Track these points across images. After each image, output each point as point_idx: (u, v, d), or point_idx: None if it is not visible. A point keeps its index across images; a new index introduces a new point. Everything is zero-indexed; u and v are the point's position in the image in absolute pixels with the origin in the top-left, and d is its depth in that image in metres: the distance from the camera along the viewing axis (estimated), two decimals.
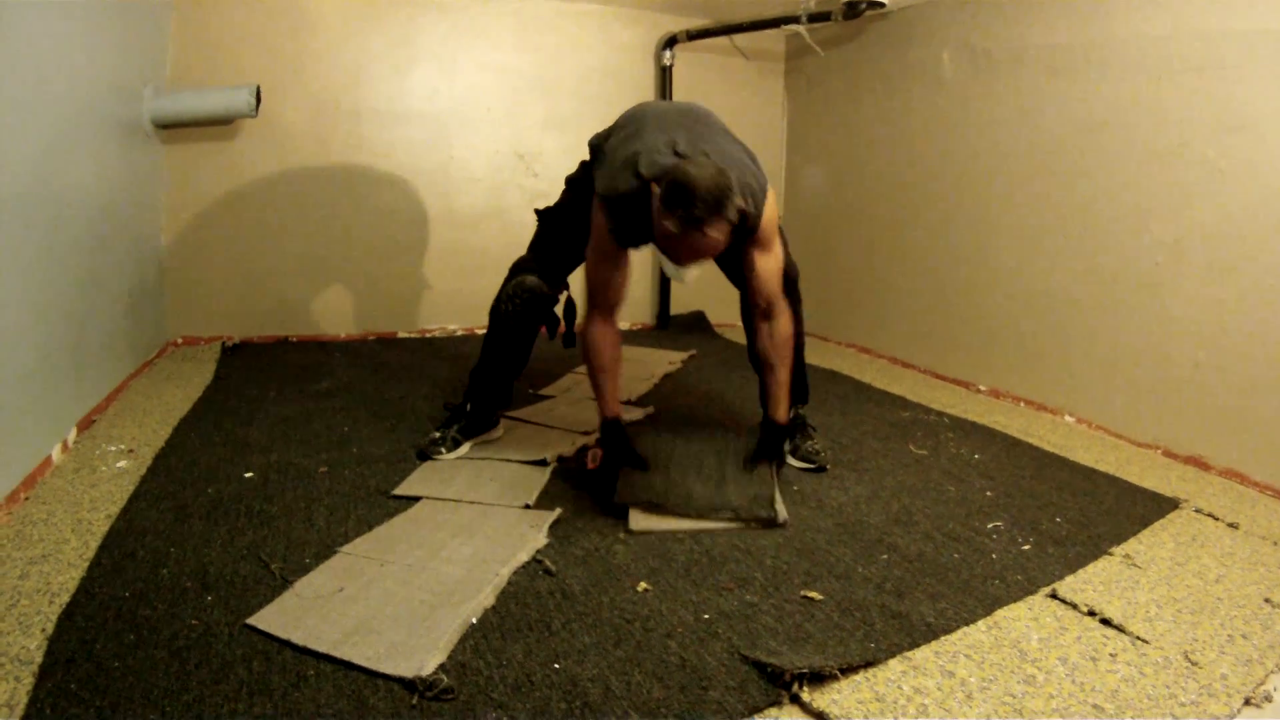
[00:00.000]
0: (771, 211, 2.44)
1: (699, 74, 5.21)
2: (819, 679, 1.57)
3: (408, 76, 4.78)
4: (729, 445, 2.59)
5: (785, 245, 2.63)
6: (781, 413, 2.55)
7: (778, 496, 2.36)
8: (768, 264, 2.47)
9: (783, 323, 2.53)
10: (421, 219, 4.89)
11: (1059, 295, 3.40)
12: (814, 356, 4.34)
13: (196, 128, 4.38)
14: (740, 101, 5.34)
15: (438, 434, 2.81)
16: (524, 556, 2.07)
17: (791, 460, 2.77)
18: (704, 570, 2.03)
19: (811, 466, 2.72)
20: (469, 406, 2.89)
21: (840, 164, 4.91)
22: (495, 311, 2.77)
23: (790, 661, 1.60)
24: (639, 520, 2.28)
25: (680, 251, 2.18)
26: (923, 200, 4.18)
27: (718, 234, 2.11)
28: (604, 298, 2.50)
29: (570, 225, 2.71)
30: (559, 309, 2.88)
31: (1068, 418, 3.31)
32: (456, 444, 2.80)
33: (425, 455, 2.77)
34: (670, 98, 5.02)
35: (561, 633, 1.76)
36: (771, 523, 2.27)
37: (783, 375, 2.53)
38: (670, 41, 5.02)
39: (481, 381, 2.88)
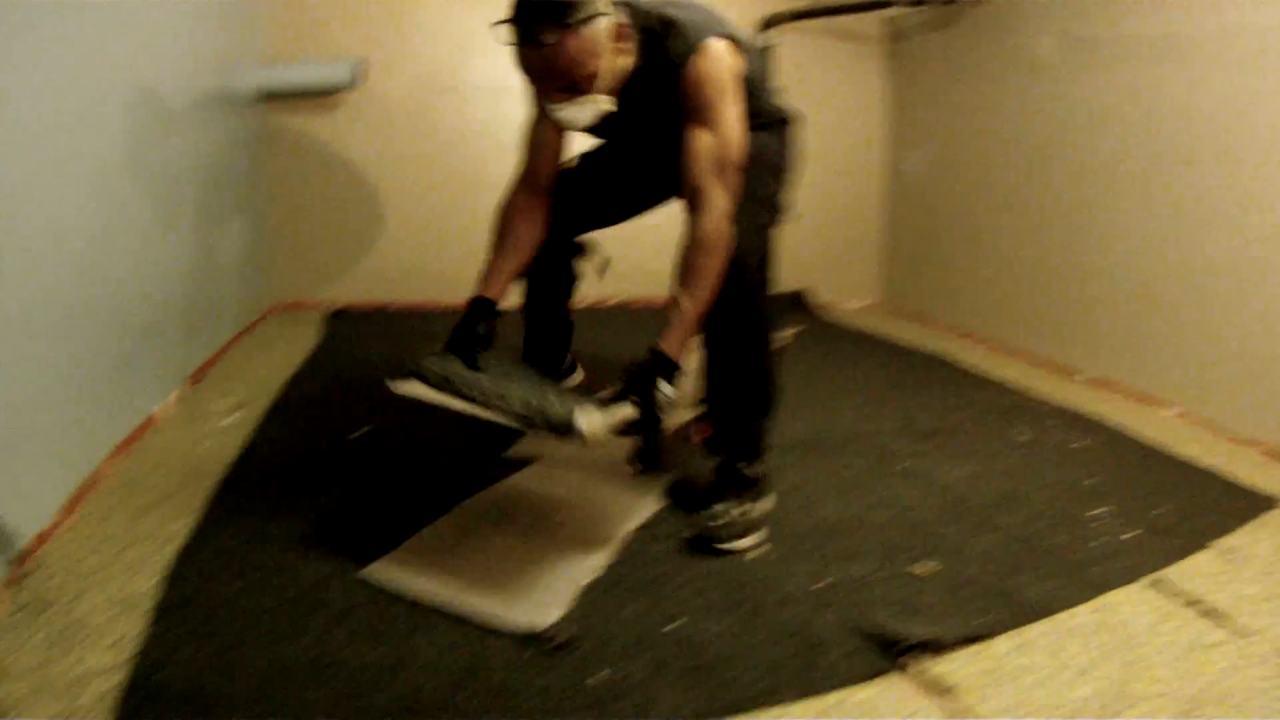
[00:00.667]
0: (715, 56, 1.93)
1: (799, 56, 5.17)
2: (931, 651, 1.61)
3: (510, 52, 4.82)
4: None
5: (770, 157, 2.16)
6: (667, 342, 1.91)
7: (587, 414, 1.75)
8: (700, 141, 1.93)
9: (705, 226, 1.91)
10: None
11: (1162, 286, 3.36)
12: (916, 339, 4.41)
13: (300, 100, 4.52)
14: (840, 84, 5.32)
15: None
16: (639, 519, 2.14)
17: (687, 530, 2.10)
18: (818, 540, 2.08)
19: (691, 539, 2.05)
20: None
21: (941, 149, 4.88)
22: None
23: (903, 632, 1.64)
24: (407, 386, 1.89)
25: (525, 77, 1.91)
26: (1025, 186, 4.14)
27: (557, 53, 1.78)
28: (529, 163, 2.26)
29: (592, 170, 2.43)
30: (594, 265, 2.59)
31: (1169, 410, 3.27)
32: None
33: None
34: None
35: (676, 595, 1.80)
36: (566, 430, 1.73)
37: (686, 302, 1.91)
38: (770, 22, 5.03)
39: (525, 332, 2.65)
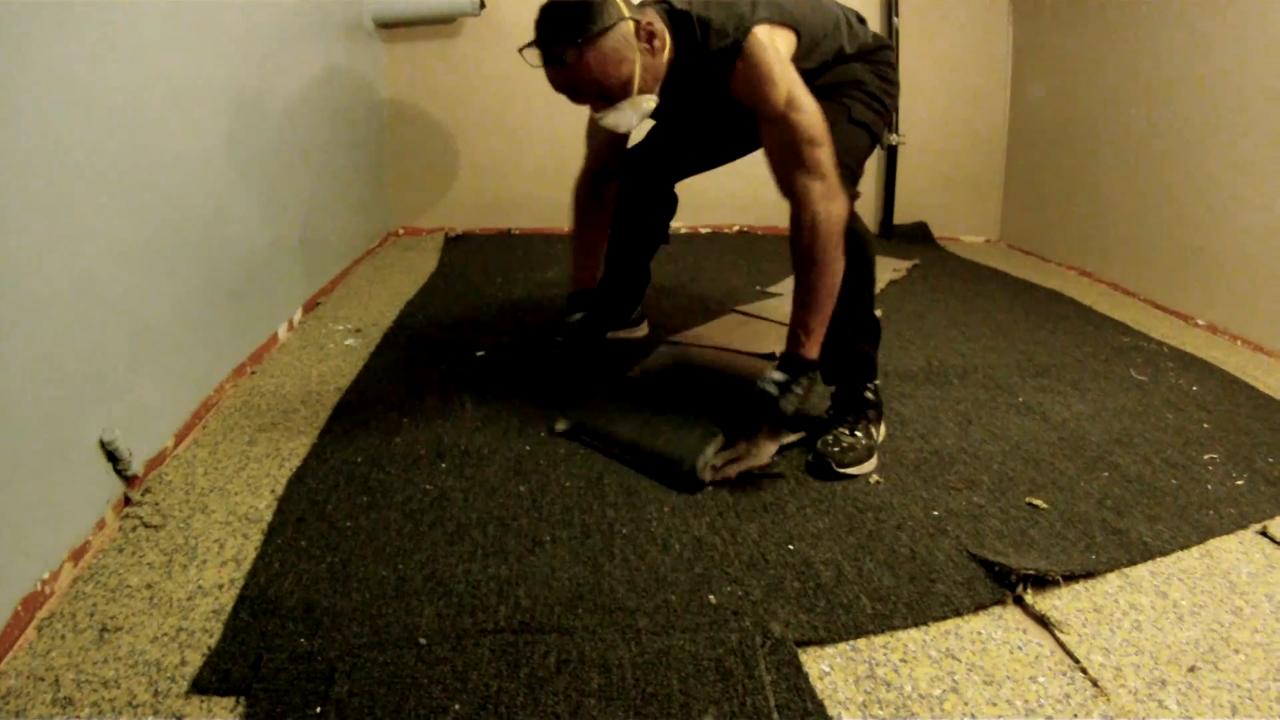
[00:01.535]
0: (759, 47, 1.93)
1: None
2: (1042, 583, 1.65)
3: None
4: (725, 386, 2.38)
5: (846, 140, 2.10)
6: (808, 346, 2.02)
7: (708, 453, 2.00)
8: (771, 133, 1.97)
9: (807, 213, 1.94)
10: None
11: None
12: (1035, 275, 4.35)
13: (418, 26, 4.54)
14: (966, 10, 5.18)
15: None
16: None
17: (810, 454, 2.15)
18: (933, 469, 2.14)
19: (813, 462, 2.11)
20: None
21: (1066, 82, 4.72)
22: None
23: (1017, 562, 1.69)
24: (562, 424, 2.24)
25: (561, 93, 1.97)
26: (1149, 125, 4.01)
27: (579, 69, 1.86)
28: (591, 156, 2.43)
29: (669, 120, 2.47)
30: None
31: None
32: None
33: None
34: (896, 4, 4.92)
35: (796, 516, 1.87)
36: (681, 474, 1.98)
37: (820, 293, 1.98)
38: None
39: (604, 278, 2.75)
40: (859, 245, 2.07)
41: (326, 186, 3.51)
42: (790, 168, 1.95)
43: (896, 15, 4.93)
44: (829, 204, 1.93)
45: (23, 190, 1.48)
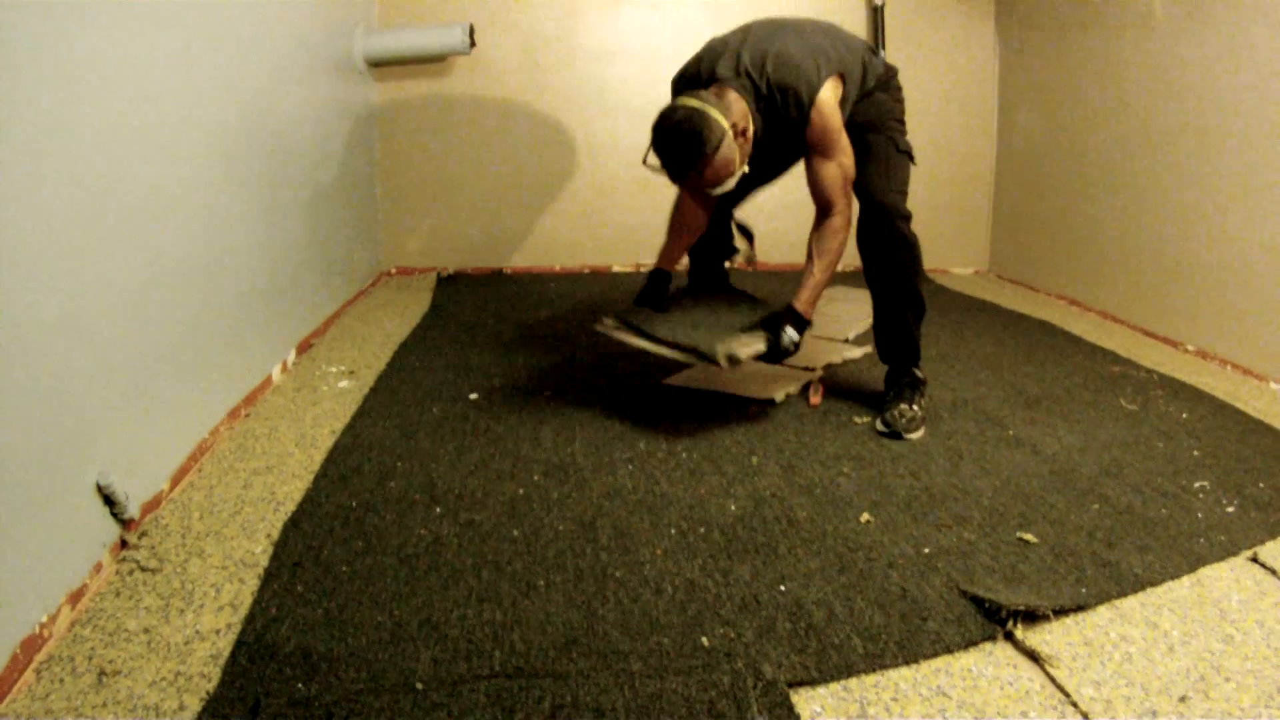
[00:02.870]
0: (828, 108, 2.43)
1: (910, 14, 5.14)
2: (1032, 619, 1.66)
3: (620, 14, 4.86)
4: (743, 311, 2.73)
5: (889, 168, 2.66)
6: (800, 301, 2.52)
7: (728, 347, 2.43)
8: (824, 171, 2.49)
9: (833, 226, 2.52)
10: (635, 154, 5.01)
11: (1270, 258, 3.29)
12: (1024, 306, 4.39)
13: (408, 65, 4.60)
14: (951, 42, 5.26)
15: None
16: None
17: (879, 423, 2.67)
18: (924, 506, 2.15)
19: (886, 430, 2.62)
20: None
21: (1052, 108, 4.79)
22: None
23: (1008, 599, 1.70)
24: (615, 330, 2.64)
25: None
26: (1134, 149, 4.06)
27: (696, 179, 2.36)
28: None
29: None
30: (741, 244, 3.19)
31: (1274, 385, 3.24)
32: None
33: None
34: (883, 38, 5.00)
35: (787, 557, 1.88)
36: (699, 355, 2.46)
37: (818, 272, 2.52)
38: None
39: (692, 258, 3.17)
40: (914, 245, 2.64)
41: (319, 227, 3.53)
42: (832, 192, 2.49)
43: (883, 48, 5.00)
44: (844, 219, 2.52)
45: (17, 234, 1.50)
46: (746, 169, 2.45)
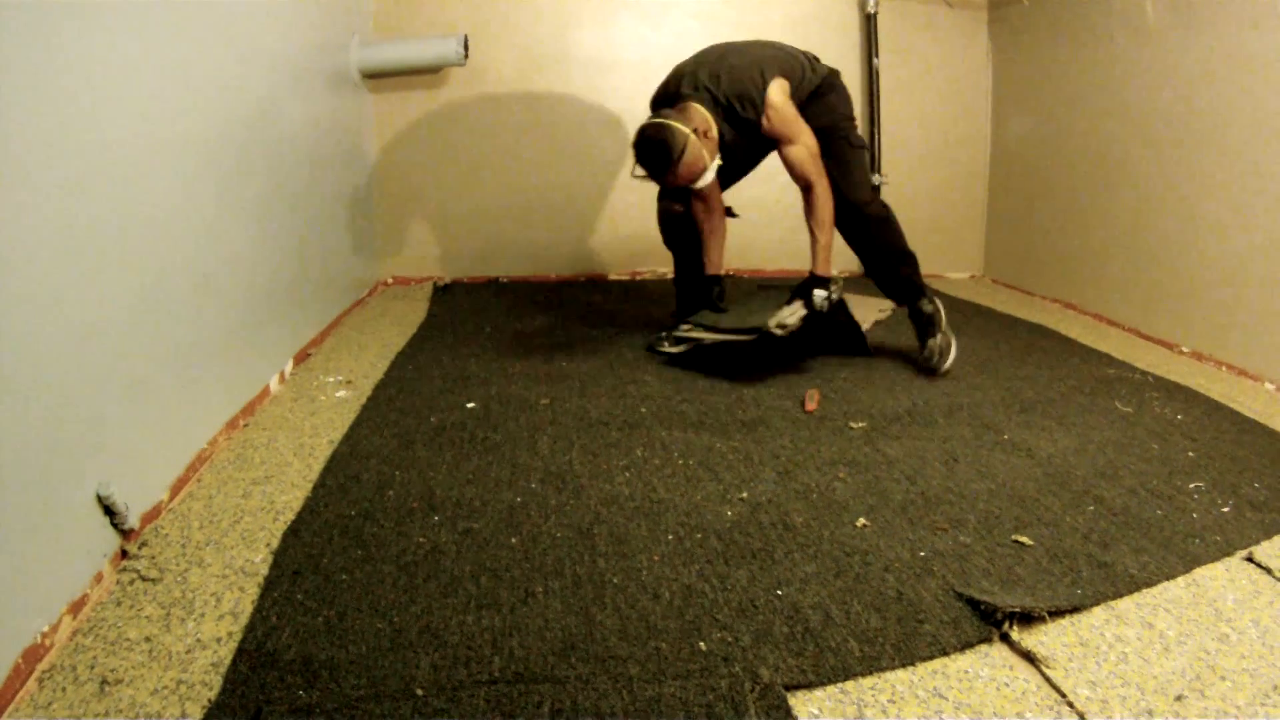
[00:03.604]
0: (779, 101, 2.94)
1: (903, 22, 5.15)
2: (1028, 620, 1.67)
3: (614, 25, 4.87)
4: (777, 296, 3.18)
5: (849, 154, 3.20)
6: (817, 265, 3.04)
7: (778, 319, 2.99)
8: (793, 154, 2.99)
9: (818, 198, 3.01)
10: (630, 162, 5.02)
11: (1263, 259, 3.32)
12: (1019, 310, 4.41)
13: (403, 76, 4.61)
14: (944, 50, 5.27)
15: (663, 333, 3.51)
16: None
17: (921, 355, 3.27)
18: (920, 510, 2.16)
19: (929, 373, 3.22)
20: (676, 307, 3.69)
21: (1045, 115, 4.81)
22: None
23: (1003, 601, 1.70)
24: (690, 332, 3.34)
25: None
26: (1128, 153, 4.09)
27: (673, 178, 2.91)
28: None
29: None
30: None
31: (1268, 385, 3.26)
32: (677, 341, 3.41)
33: (653, 349, 3.46)
34: (876, 46, 5.02)
35: (784, 562, 1.89)
36: (758, 332, 3.04)
37: (820, 237, 3.03)
38: None
39: (677, 285, 3.69)
40: (886, 216, 3.27)
41: (316, 237, 3.54)
42: (806, 170, 2.98)
43: (876, 56, 5.02)
44: (823, 188, 3.01)
45: (16, 246, 1.51)
46: (720, 161, 3.00)
